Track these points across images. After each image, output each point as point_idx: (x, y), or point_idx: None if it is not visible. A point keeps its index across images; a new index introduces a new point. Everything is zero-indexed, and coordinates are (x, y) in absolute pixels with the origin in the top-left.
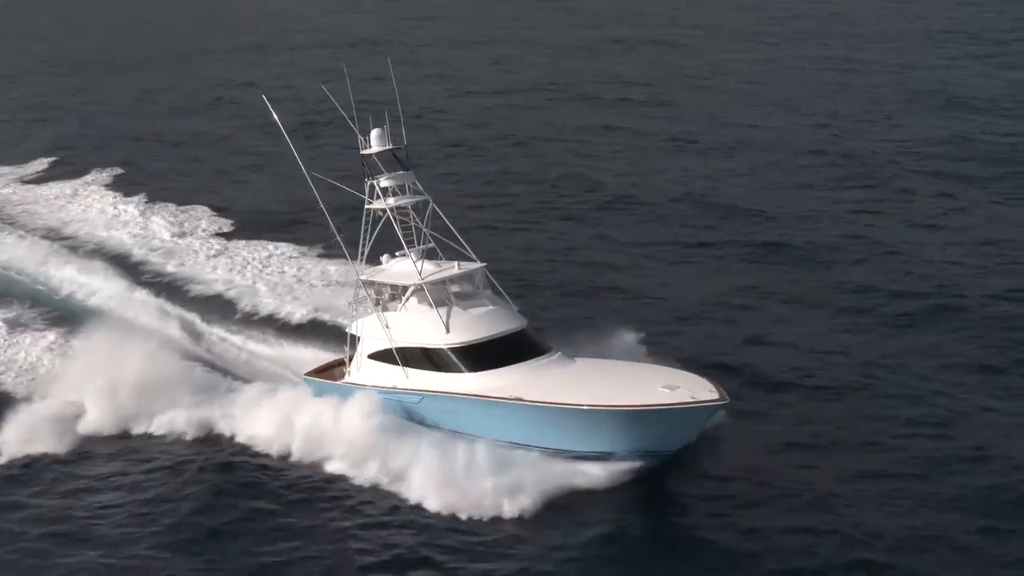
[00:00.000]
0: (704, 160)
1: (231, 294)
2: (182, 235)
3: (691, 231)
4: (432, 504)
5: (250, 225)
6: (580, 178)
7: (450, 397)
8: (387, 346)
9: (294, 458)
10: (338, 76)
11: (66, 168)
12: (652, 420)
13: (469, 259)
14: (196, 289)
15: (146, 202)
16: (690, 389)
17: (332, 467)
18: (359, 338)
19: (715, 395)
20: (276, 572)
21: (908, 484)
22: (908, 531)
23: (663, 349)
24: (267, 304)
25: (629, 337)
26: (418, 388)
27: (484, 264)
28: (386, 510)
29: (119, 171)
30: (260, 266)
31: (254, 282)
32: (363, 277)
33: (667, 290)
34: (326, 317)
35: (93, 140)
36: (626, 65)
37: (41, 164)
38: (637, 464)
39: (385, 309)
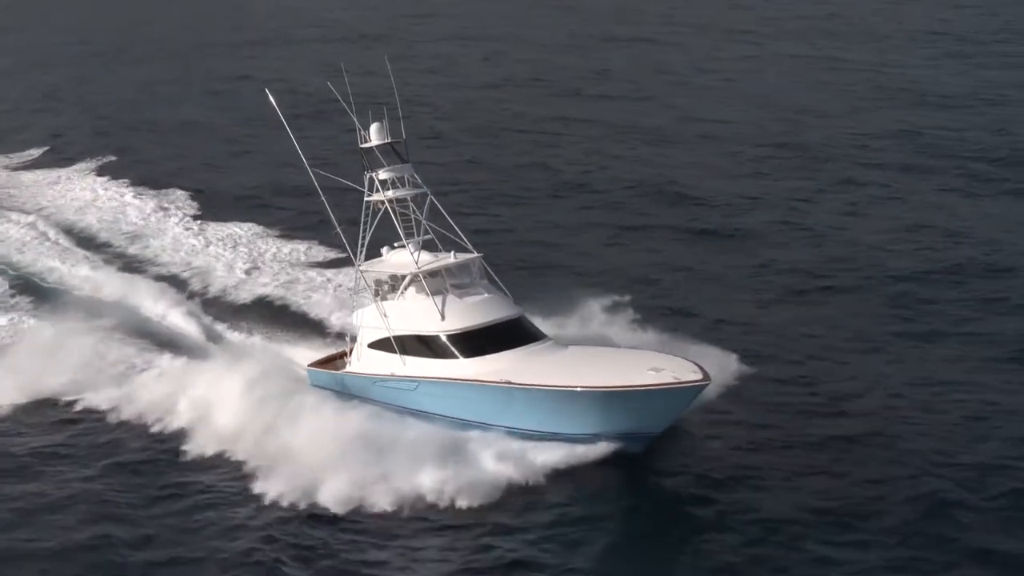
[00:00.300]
0: (665, 151)
1: (194, 273)
2: (158, 216)
3: (637, 216)
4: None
5: (232, 212)
6: (542, 167)
7: (443, 383)
8: (385, 335)
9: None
10: (338, 71)
11: (58, 155)
12: (637, 401)
13: (466, 250)
14: (160, 271)
15: (128, 186)
16: (675, 371)
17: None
18: (359, 328)
19: (698, 376)
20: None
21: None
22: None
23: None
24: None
25: (594, 306)
26: (415, 375)
27: (480, 255)
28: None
29: (111, 158)
30: (231, 248)
31: (222, 261)
32: (362, 268)
33: (606, 267)
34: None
35: (90, 128)
36: (615, 60)
37: (35, 151)
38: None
39: (384, 299)
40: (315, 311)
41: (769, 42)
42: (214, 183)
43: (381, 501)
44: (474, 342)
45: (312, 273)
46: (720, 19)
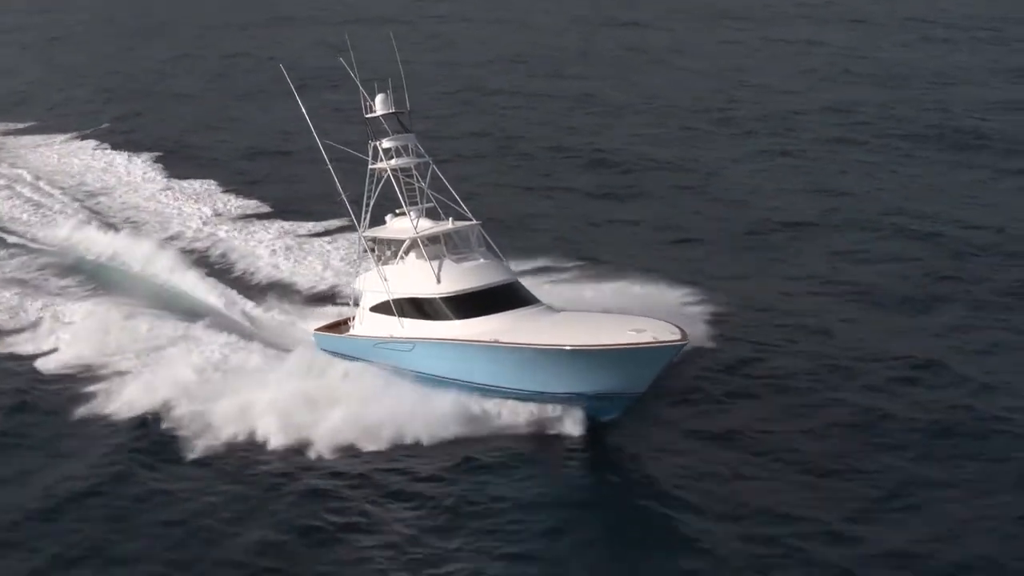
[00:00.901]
0: (616, 120)
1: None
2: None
3: (568, 177)
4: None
5: (238, 183)
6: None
7: (437, 343)
8: (385, 298)
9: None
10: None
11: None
12: (618, 360)
13: (465, 218)
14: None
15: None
16: (655, 332)
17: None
18: (362, 292)
19: (677, 336)
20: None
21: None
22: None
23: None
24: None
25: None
26: (411, 336)
27: (478, 222)
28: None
29: (114, 129)
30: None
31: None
32: (365, 234)
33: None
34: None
35: (103, 102)
36: (601, 42)
37: (48, 121)
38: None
39: (386, 264)
40: (321, 277)
41: (757, 27)
42: (226, 151)
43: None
44: (468, 304)
45: (318, 242)
46: (723, 3)
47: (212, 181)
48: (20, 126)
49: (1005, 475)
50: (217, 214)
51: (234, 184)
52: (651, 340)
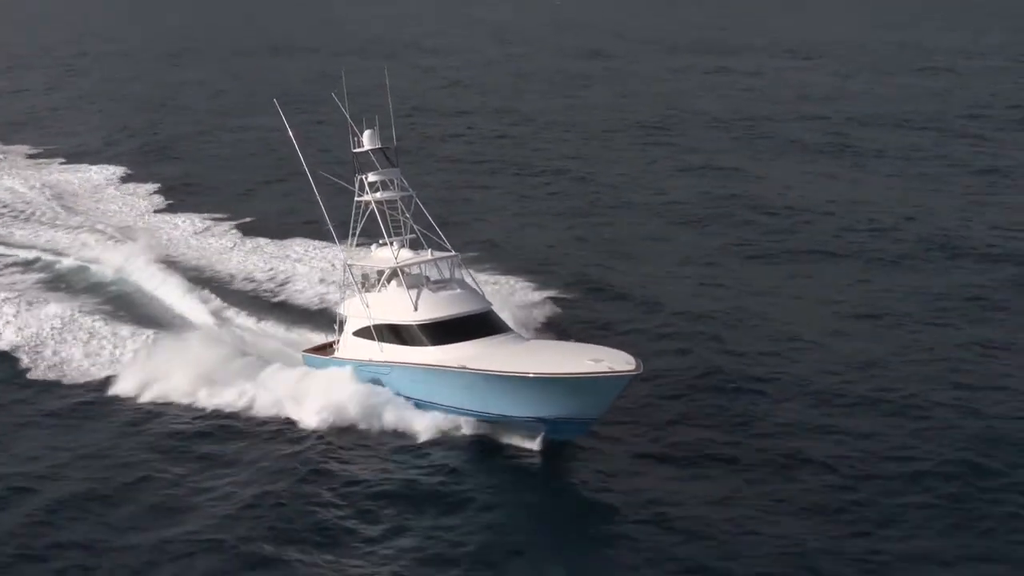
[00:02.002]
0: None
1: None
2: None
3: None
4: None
5: (235, 207)
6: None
7: (412, 367)
8: (366, 324)
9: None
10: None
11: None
12: (574, 387)
13: (444, 249)
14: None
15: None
16: (611, 362)
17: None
18: (346, 317)
19: (631, 367)
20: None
21: None
22: None
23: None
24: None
25: None
26: (389, 360)
27: (456, 253)
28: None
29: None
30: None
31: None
32: (349, 262)
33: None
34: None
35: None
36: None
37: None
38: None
39: (369, 292)
40: (309, 301)
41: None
42: (224, 182)
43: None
44: (442, 331)
45: (303, 268)
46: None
47: (210, 203)
48: (41, 149)
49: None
50: (208, 233)
51: (231, 207)
52: (607, 370)
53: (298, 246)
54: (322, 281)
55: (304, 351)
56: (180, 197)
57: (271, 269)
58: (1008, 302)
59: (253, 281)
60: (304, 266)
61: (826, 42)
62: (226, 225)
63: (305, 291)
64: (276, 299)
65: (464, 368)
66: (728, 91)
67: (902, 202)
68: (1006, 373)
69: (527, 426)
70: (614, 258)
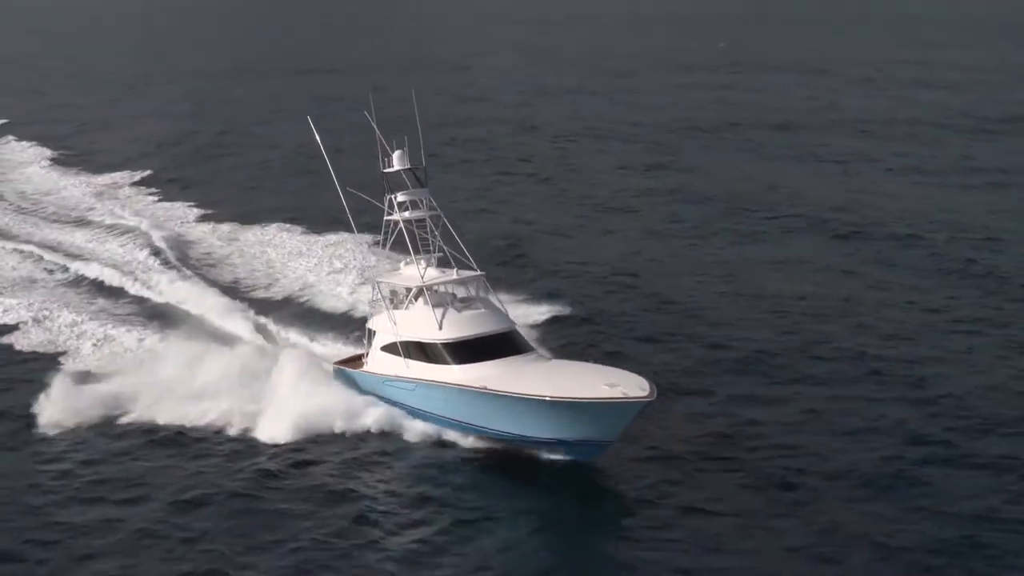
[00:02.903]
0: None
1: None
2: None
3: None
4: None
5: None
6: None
7: (435, 385)
8: (393, 340)
9: None
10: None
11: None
12: (590, 411)
13: (471, 268)
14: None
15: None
16: (626, 387)
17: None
18: (374, 332)
19: (644, 393)
20: None
21: None
22: None
23: None
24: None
25: None
26: (414, 377)
27: (482, 273)
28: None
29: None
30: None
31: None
32: (378, 279)
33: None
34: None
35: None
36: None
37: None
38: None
39: (397, 308)
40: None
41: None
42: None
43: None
44: (466, 351)
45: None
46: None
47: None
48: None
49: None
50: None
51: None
52: (620, 395)
53: (337, 260)
54: (352, 294)
55: (335, 363)
56: (236, 214)
57: (305, 280)
58: None
59: (287, 291)
60: (335, 281)
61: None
62: (270, 231)
63: (337, 305)
64: (306, 308)
65: (485, 389)
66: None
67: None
68: None
69: (546, 447)
70: (646, 275)
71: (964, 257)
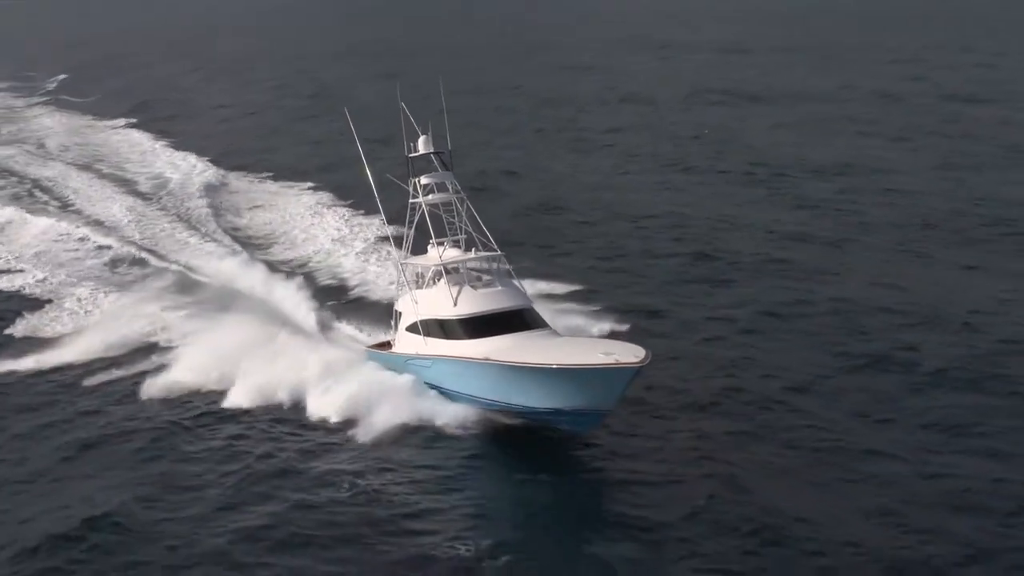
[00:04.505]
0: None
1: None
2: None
3: None
4: None
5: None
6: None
7: (448, 360)
8: (415, 319)
9: None
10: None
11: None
12: (579, 378)
13: (491, 248)
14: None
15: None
16: (621, 355)
17: None
18: (400, 314)
19: (637, 359)
20: None
21: None
22: None
23: None
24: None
25: None
26: (431, 354)
27: (502, 253)
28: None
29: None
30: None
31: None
32: (402, 261)
33: None
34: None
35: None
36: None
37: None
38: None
39: (419, 289)
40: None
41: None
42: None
43: None
44: (478, 326)
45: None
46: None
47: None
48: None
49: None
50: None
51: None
52: (613, 362)
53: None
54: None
55: (368, 347)
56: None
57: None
58: None
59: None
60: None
61: None
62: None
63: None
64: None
65: (487, 360)
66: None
67: None
68: None
69: (547, 418)
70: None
71: None
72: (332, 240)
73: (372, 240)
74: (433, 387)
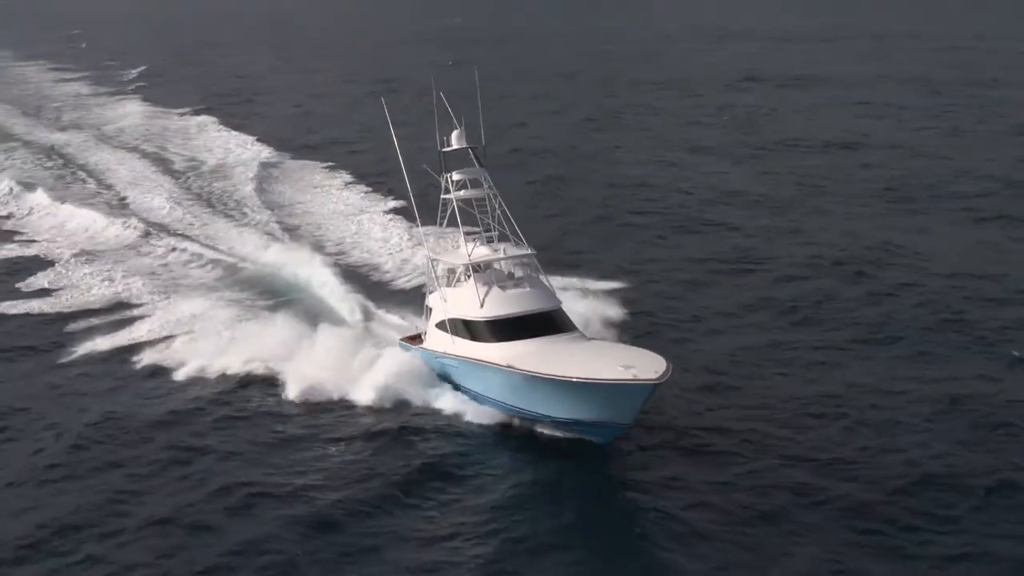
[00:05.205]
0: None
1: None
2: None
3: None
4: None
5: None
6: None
7: (472, 362)
8: (443, 317)
9: None
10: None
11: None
12: (595, 393)
13: (522, 246)
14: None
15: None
16: (641, 369)
17: None
18: (431, 309)
19: (656, 375)
20: None
21: None
22: None
23: None
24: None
25: None
26: (458, 354)
27: (533, 252)
28: None
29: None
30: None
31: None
32: (432, 256)
33: None
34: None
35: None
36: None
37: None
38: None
39: (449, 286)
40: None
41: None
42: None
43: None
44: (505, 328)
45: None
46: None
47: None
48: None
49: None
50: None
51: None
52: (631, 378)
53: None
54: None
55: (400, 339)
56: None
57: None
58: None
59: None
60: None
61: None
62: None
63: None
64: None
65: (510, 367)
66: None
67: None
68: None
69: (566, 428)
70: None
71: None
72: (380, 228)
73: (405, 233)
74: (457, 387)
